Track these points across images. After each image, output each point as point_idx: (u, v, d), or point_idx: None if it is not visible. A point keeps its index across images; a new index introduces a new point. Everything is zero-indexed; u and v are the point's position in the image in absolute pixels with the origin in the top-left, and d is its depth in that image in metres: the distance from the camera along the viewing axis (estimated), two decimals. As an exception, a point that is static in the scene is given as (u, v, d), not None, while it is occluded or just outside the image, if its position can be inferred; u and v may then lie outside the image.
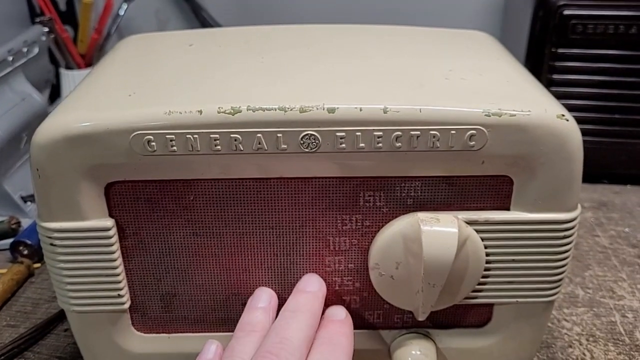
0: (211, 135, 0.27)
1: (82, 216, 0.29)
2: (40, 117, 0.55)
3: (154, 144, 0.27)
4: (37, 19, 0.62)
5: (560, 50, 0.54)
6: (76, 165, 0.28)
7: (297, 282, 0.31)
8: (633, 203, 0.55)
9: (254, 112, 0.27)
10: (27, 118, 0.54)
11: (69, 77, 0.66)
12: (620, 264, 0.47)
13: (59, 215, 0.29)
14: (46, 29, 0.61)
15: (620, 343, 0.39)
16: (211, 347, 0.30)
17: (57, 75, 0.68)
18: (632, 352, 0.38)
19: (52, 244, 0.29)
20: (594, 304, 0.42)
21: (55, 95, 0.70)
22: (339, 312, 0.31)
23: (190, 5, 0.75)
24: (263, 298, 0.31)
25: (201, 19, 0.75)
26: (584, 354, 0.38)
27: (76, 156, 0.28)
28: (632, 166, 0.58)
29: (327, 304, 0.32)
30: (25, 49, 0.56)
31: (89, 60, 0.68)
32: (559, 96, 0.53)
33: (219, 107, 0.27)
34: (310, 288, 0.31)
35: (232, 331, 0.33)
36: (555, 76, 0.55)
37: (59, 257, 0.30)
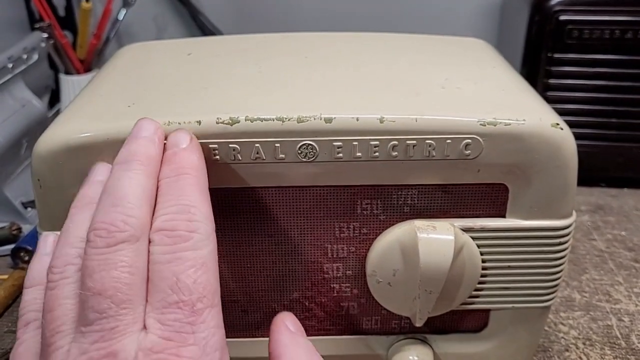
0: (210, 146, 0.27)
1: (83, 225, 0.29)
2: (40, 123, 0.55)
3: (153, 154, 0.27)
4: (37, 25, 0.62)
5: (557, 55, 0.54)
6: (77, 175, 0.28)
7: (296, 290, 0.32)
8: (630, 206, 0.56)
9: (252, 122, 0.27)
10: (27, 124, 0.54)
11: (68, 83, 0.66)
12: (617, 268, 0.47)
13: (60, 225, 0.29)
14: (45, 35, 0.61)
15: (617, 347, 0.39)
16: (47, 240, 0.27)
17: (57, 81, 0.68)
18: (628, 356, 0.38)
19: (53, 253, 0.30)
20: (590, 308, 0.43)
21: (54, 100, 0.70)
22: (180, 139, 0.26)
23: (189, 10, 0.75)
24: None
25: (199, 24, 0.75)
26: (580, 357, 0.38)
27: (77, 166, 0.28)
28: (629, 169, 0.58)
29: (325, 310, 0.32)
30: (25, 56, 0.57)
31: (88, 65, 0.68)
32: (555, 101, 0.55)
33: (217, 118, 0.27)
34: (145, 133, 0.26)
35: (232, 337, 0.33)
36: (552, 81, 0.55)
37: (60, 266, 0.30)
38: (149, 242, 0.23)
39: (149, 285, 0.22)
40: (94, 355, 0.21)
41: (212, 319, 0.22)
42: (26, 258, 0.46)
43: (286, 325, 0.26)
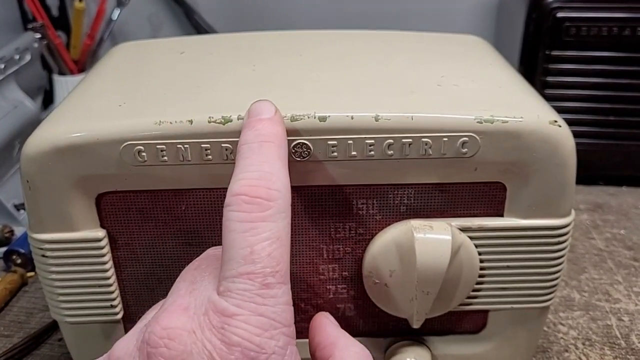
0: (202, 145, 0.27)
1: (73, 227, 0.29)
2: (33, 124, 0.55)
3: (144, 154, 0.27)
4: (29, 25, 0.61)
5: (554, 53, 0.54)
6: (66, 176, 0.28)
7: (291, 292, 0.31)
8: (629, 205, 0.55)
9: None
10: (20, 126, 0.54)
11: (62, 83, 0.66)
12: (616, 267, 0.47)
13: (50, 227, 0.29)
14: (38, 35, 0.60)
15: (616, 347, 0.39)
16: None
17: (50, 82, 0.68)
18: (628, 356, 0.38)
19: (43, 255, 0.29)
20: (589, 308, 0.42)
21: (48, 101, 0.70)
22: (265, 109, 0.26)
23: (184, 9, 0.75)
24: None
25: (194, 24, 0.75)
26: (580, 358, 0.38)
27: (66, 167, 0.27)
28: (628, 167, 0.58)
29: (322, 311, 0.32)
30: (17, 56, 0.56)
31: (82, 66, 0.68)
32: (553, 98, 0.54)
33: (209, 117, 0.27)
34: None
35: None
36: (550, 78, 0.55)
37: (51, 269, 0.29)
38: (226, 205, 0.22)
39: (223, 250, 0.22)
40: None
41: (283, 295, 0.22)
42: (18, 261, 0.46)
43: (330, 320, 0.27)
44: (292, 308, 0.22)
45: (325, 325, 0.27)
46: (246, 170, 0.23)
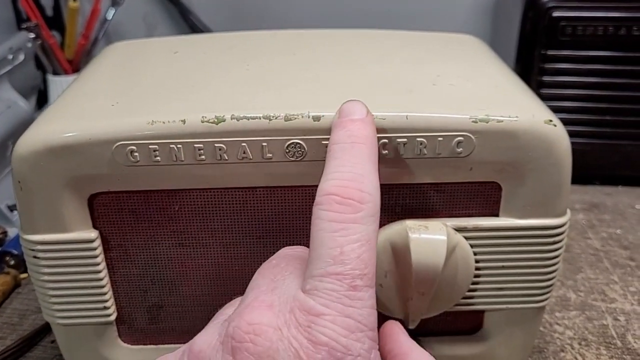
0: (195, 145, 0.27)
1: (66, 228, 0.28)
2: (26, 124, 0.54)
3: (137, 154, 0.27)
4: (23, 25, 0.61)
5: (550, 52, 0.54)
6: (58, 177, 0.27)
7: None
8: (625, 204, 0.55)
9: (238, 120, 0.26)
10: (13, 126, 0.53)
11: (56, 83, 0.65)
12: (612, 266, 0.47)
13: (42, 228, 0.28)
14: (32, 35, 0.60)
15: (612, 347, 0.38)
16: None
17: (45, 82, 0.67)
18: (624, 356, 0.38)
19: (35, 257, 0.29)
20: (585, 307, 0.42)
21: (43, 101, 0.69)
22: (357, 109, 0.25)
23: (179, 9, 0.74)
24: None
25: (190, 23, 0.74)
26: (576, 358, 0.38)
27: (58, 167, 0.27)
28: (624, 167, 0.58)
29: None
30: (10, 56, 0.56)
31: (77, 65, 0.68)
32: (549, 98, 0.54)
33: (202, 117, 0.26)
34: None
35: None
36: (546, 78, 0.55)
37: (43, 270, 0.29)
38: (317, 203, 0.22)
39: (311, 248, 0.22)
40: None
41: (369, 298, 0.21)
42: (11, 262, 0.45)
43: (401, 329, 0.27)
44: (376, 312, 0.22)
45: (398, 333, 0.26)
46: (337, 170, 0.23)
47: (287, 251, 0.26)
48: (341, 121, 0.25)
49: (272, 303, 0.22)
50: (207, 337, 0.22)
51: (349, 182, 0.22)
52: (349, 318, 0.21)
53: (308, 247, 0.30)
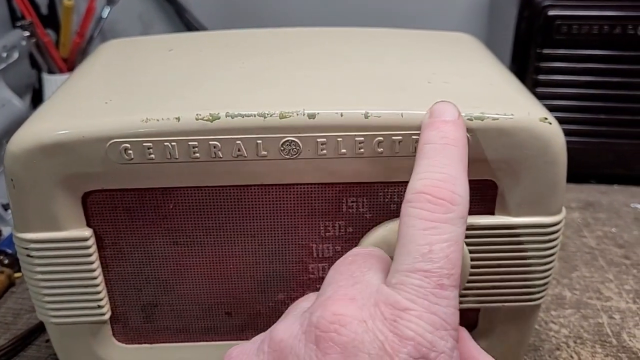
0: (189, 143, 0.26)
1: (59, 226, 0.28)
2: (20, 123, 0.53)
3: (131, 152, 0.27)
4: (18, 23, 0.61)
5: (546, 51, 0.54)
6: (52, 175, 0.27)
7: (281, 292, 0.31)
8: (620, 203, 0.55)
9: (232, 118, 0.26)
10: (7, 124, 0.53)
11: (51, 82, 0.65)
12: (607, 265, 0.47)
13: (36, 226, 0.28)
14: (27, 33, 0.60)
15: (608, 345, 0.38)
16: None
17: (40, 80, 0.67)
18: (619, 354, 0.38)
19: (28, 255, 0.29)
20: (581, 306, 0.42)
21: (38, 100, 0.69)
22: (449, 111, 0.26)
23: (175, 7, 0.74)
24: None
25: (185, 22, 0.74)
26: (571, 356, 0.38)
27: (51, 165, 0.27)
28: (619, 166, 0.58)
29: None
30: (4, 54, 0.55)
31: (72, 64, 0.67)
32: (544, 97, 0.54)
33: (197, 114, 0.26)
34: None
35: (216, 340, 0.32)
36: (541, 77, 0.55)
37: (37, 269, 0.29)
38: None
39: (398, 245, 0.22)
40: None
41: (454, 298, 0.21)
42: (6, 261, 0.45)
43: (468, 335, 0.27)
44: (458, 313, 0.22)
45: (465, 339, 0.27)
46: (429, 170, 0.23)
47: (360, 250, 0.26)
48: (433, 121, 0.25)
49: (355, 297, 0.22)
50: (288, 326, 0.22)
51: (441, 182, 0.23)
52: (435, 315, 0.21)
53: (306, 244, 0.30)
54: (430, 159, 0.24)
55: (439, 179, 0.23)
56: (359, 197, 0.29)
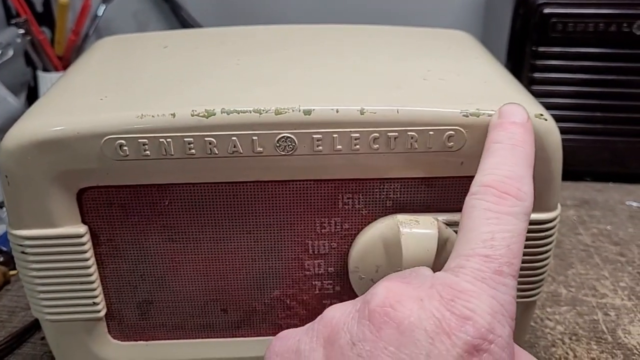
0: (185, 139, 0.26)
1: (54, 223, 0.28)
2: (15, 120, 0.54)
3: (126, 148, 0.26)
4: (13, 21, 0.61)
5: (541, 49, 0.54)
6: (46, 171, 0.27)
7: (276, 288, 0.31)
8: (615, 201, 0.56)
9: (228, 114, 0.26)
10: (2, 122, 0.53)
11: (46, 80, 0.65)
12: (603, 262, 0.47)
13: (30, 223, 0.28)
14: (22, 31, 0.60)
15: (603, 342, 0.39)
16: None
17: (35, 78, 0.67)
18: (614, 351, 0.38)
19: (23, 252, 0.29)
20: (576, 303, 0.42)
21: (33, 98, 0.69)
22: (518, 113, 0.26)
23: (170, 5, 0.74)
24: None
25: (181, 20, 0.74)
26: (567, 353, 0.38)
27: (46, 162, 0.27)
28: (614, 164, 0.58)
29: (307, 308, 0.31)
30: (-1, 52, 0.55)
31: (67, 62, 0.67)
32: (540, 95, 0.54)
33: (192, 110, 0.26)
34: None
35: (212, 337, 0.32)
36: (536, 74, 0.55)
37: (31, 265, 0.29)
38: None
39: (460, 234, 0.22)
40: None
41: (513, 288, 0.21)
42: (1, 259, 0.45)
43: None
44: (515, 304, 0.21)
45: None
46: (497, 167, 0.24)
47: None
48: (502, 122, 0.26)
49: (410, 281, 0.22)
50: (341, 306, 0.22)
51: (508, 178, 0.23)
52: (494, 299, 0.20)
53: (302, 241, 0.30)
54: (498, 158, 0.24)
55: (506, 175, 0.23)
56: (354, 193, 0.29)
